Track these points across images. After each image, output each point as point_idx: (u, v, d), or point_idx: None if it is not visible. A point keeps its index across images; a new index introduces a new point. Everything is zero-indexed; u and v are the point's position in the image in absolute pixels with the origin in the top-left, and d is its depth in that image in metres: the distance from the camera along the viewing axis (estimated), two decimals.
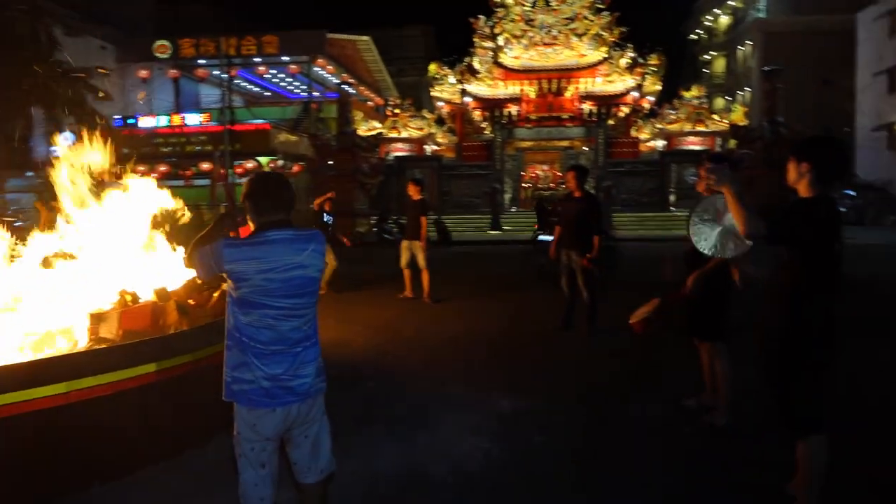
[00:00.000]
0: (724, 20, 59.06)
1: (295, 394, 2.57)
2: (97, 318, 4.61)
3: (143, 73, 31.35)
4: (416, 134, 34.20)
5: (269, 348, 2.53)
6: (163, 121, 27.99)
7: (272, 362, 2.53)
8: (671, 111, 34.05)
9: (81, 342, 4.40)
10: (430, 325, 8.49)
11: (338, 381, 5.77)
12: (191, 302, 5.26)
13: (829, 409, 3.34)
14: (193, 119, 28.35)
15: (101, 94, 15.59)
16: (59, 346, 4.28)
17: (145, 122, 27.43)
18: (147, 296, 5.06)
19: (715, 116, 34.34)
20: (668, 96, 35.78)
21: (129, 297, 5.02)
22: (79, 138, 5.31)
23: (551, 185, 30.51)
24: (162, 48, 30.92)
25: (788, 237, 3.05)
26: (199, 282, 5.27)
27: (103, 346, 4.18)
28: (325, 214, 11.23)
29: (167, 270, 5.20)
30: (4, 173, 18.17)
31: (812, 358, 3.10)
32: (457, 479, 3.85)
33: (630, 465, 4.07)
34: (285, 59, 33.52)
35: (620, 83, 29.05)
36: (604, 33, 29.35)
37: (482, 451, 4.24)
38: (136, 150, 25.85)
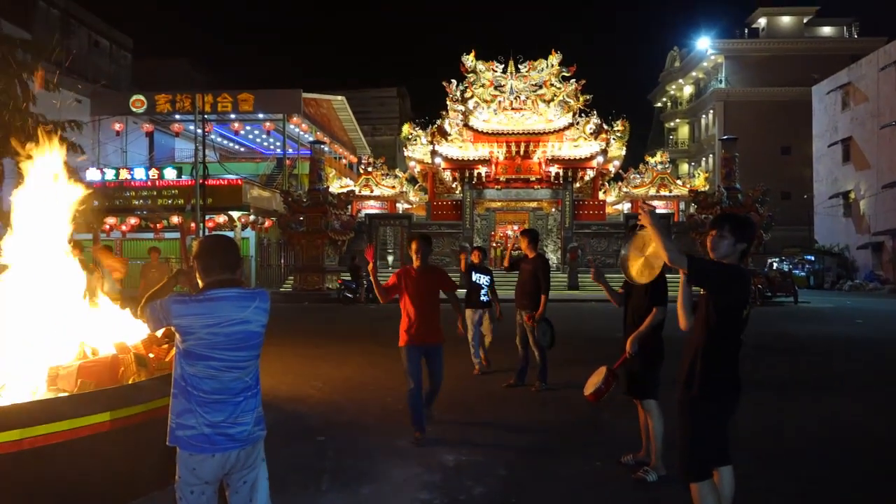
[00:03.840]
0: (688, 90, 61.52)
1: (234, 440, 2.77)
2: (56, 371, 4.77)
3: (118, 127, 31.69)
4: (388, 192, 34.76)
5: (212, 397, 2.74)
6: (109, 174, 28.53)
7: (213, 410, 2.74)
8: (637, 175, 35.21)
9: (40, 393, 4.54)
10: (386, 381, 8.65)
11: (290, 436, 5.97)
12: (151, 355, 5.44)
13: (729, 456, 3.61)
14: (140, 174, 29.08)
15: (73, 148, 15.75)
16: (17, 396, 4.41)
17: (91, 174, 27.63)
18: (108, 348, 5.23)
19: (678, 181, 35.51)
20: (634, 161, 37.04)
21: (89, 350, 5.20)
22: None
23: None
24: (138, 103, 31.35)
25: (703, 278, 3.36)
26: (159, 336, 5.47)
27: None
28: (473, 272, 9.42)
29: (130, 322, 5.37)
30: None
31: (700, 408, 3.39)
32: None
33: None
34: (260, 116, 34.20)
35: (586, 147, 29.99)
36: (570, 100, 30.46)
37: (421, 503, 4.43)
38: (106, 203, 26.12)
